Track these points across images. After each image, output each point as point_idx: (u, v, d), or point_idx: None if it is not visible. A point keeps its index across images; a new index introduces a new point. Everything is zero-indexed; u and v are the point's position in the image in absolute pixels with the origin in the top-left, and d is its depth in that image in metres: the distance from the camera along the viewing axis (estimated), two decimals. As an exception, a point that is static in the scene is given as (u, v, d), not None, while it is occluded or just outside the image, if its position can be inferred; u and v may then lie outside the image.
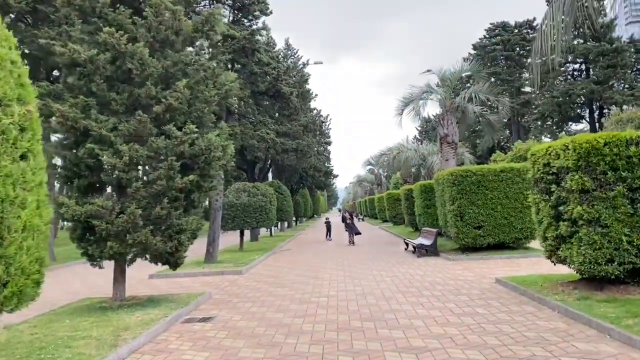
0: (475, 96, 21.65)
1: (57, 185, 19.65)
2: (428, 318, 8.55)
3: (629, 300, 8.23)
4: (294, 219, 53.65)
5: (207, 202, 19.27)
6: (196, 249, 23.12)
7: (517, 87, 43.18)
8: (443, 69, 22.40)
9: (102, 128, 9.59)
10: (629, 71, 27.49)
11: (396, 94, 64.58)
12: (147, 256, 10.42)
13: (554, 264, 10.37)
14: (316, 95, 38.17)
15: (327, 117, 50.36)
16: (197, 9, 10.61)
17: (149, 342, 7.98)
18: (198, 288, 13.72)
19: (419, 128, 78.05)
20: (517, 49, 47.61)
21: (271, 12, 19.96)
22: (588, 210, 8.65)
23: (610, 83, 28.25)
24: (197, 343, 7.78)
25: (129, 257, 10.50)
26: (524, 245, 17.47)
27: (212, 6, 11.67)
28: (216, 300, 11.57)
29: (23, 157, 6.37)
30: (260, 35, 18.38)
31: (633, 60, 27.84)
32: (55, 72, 23.49)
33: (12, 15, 22.81)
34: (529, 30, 47.44)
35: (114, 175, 9.76)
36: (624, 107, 29.53)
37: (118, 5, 10.18)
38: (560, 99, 29.11)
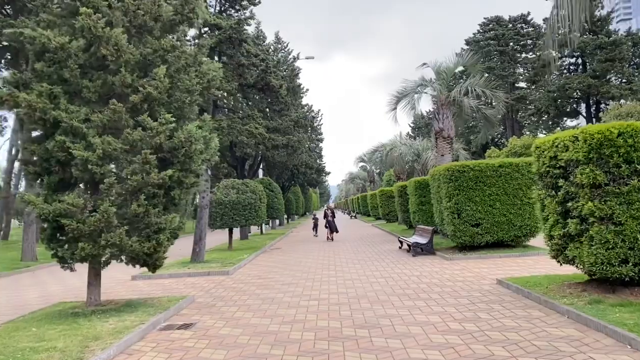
0: (471, 90, 20.98)
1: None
2: (427, 325, 7.85)
3: (645, 305, 7.57)
4: (286, 216, 52.89)
5: (197, 200, 18.53)
6: (184, 248, 22.47)
7: (512, 83, 42.52)
8: (439, 62, 21.72)
9: (73, 119, 8.79)
10: (627, 65, 26.92)
11: (389, 90, 64.01)
12: (123, 258, 9.64)
13: (560, 264, 9.71)
14: (307, 90, 37.50)
15: (318, 112, 49.54)
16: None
17: (121, 353, 7.23)
18: (182, 290, 12.97)
19: (412, 125, 77.43)
20: (511, 43, 47.01)
21: (259, 2, 19.18)
22: (600, 206, 7.97)
23: (608, 77, 27.72)
24: (174, 354, 7.03)
25: (104, 259, 9.70)
26: (523, 244, 16.84)
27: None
28: (199, 304, 10.82)
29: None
30: (248, 24, 17.58)
31: (631, 53, 27.29)
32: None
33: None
34: (523, 24, 46.83)
35: (87, 171, 8.96)
36: (621, 101, 29.01)
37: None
38: (557, 93, 28.51)
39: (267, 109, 27.38)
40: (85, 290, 11.30)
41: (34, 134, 9.81)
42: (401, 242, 20.53)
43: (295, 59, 31.85)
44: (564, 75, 31.19)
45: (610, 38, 27.20)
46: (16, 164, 34.28)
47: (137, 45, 9.32)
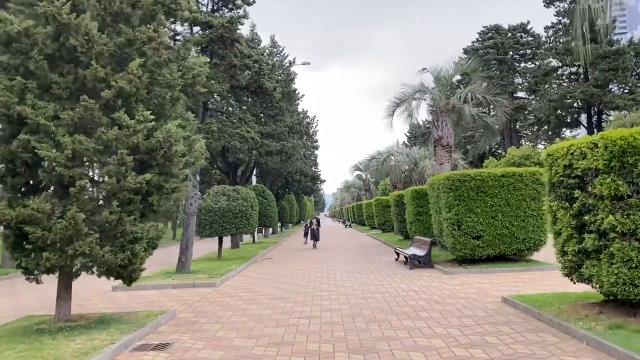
0: (472, 96, 20.24)
1: None
2: (430, 350, 7.00)
3: (674, 332, 6.76)
4: (279, 225, 51.96)
5: (189, 207, 17.64)
6: (173, 256, 21.52)
7: (511, 92, 41.86)
8: (439, 68, 21.00)
9: (40, 115, 7.94)
10: (630, 74, 26.33)
11: (385, 101, 63.49)
12: (94, 270, 8.76)
13: (574, 283, 8.90)
14: (303, 95, 36.76)
15: (314, 118, 48.68)
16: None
17: (82, 380, 6.35)
18: (163, 304, 12.07)
19: (408, 134, 76.83)
20: (511, 52, 46.46)
21: (254, 1, 18.41)
22: (622, 220, 7.16)
23: (610, 87, 27.13)
24: (141, 383, 6.16)
25: (74, 270, 8.83)
26: (527, 258, 16.04)
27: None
28: (180, 321, 9.94)
29: None
30: (241, 24, 16.80)
31: (633, 63, 26.72)
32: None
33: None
34: (522, 34, 46.34)
35: (54, 173, 8.10)
36: (623, 111, 28.39)
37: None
38: (558, 102, 27.86)
39: (262, 114, 26.58)
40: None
41: None
42: (398, 254, 19.69)
43: (291, 63, 31.08)
44: (563, 85, 30.57)
45: (613, 47, 26.65)
46: None
47: (111, 35, 8.49)
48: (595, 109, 28.73)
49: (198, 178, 17.45)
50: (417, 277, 14.57)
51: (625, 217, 7.18)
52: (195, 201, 17.53)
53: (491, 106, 22.57)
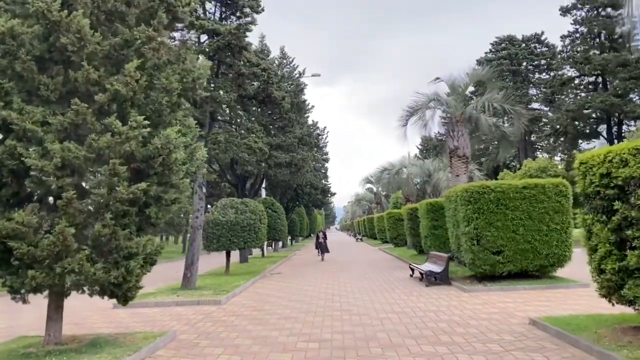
0: (488, 105, 19.46)
1: None
2: (456, 383, 6.19)
3: None
4: (289, 238, 51.19)
5: (195, 220, 16.98)
6: (181, 271, 20.80)
7: (525, 103, 40.92)
8: (453, 76, 20.28)
9: (27, 121, 7.31)
10: (653, 83, 25.46)
11: (394, 113, 62.78)
12: (85, 289, 8.06)
13: (613, 305, 8.06)
14: (313, 107, 36.12)
15: (324, 130, 47.89)
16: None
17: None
18: (165, 323, 11.35)
19: (420, 146, 75.87)
20: (525, 63, 45.60)
21: (263, 10, 17.85)
22: (672, 235, 6.34)
23: (631, 96, 26.24)
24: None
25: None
26: (550, 274, 15.12)
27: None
28: (179, 343, 9.19)
29: None
30: (249, 30, 16.23)
31: (654, 72, 25.85)
32: None
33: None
34: (536, 44, 45.54)
35: (42, 183, 7.45)
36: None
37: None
38: (576, 113, 26.98)
39: (271, 125, 25.97)
40: (66, 320, 9.75)
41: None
42: (412, 270, 18.82)
43: (301, 74, 30.56)
44: (580, 96, 29.66)
45: (634, 55, 25.83)
46: None
47: (106, 34, 7.87)
48: (615, 119, 27.79)
49: (204, 190, 16.80)
50: (434, 295, 13.72)
51: (675, 231, 6.37)
52: (202, 214, 16.85)
53: (505, 118, 21.84)
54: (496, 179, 40.17)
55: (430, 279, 15.99)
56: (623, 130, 27.80)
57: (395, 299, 13.35)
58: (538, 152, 46.54)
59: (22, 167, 7.54)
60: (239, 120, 21.42)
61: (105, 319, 12.39)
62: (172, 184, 8.48)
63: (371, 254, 34.64)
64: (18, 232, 7.24)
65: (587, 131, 28.55)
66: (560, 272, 15.30)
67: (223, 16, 17.97)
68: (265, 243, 38.09)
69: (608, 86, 27.75)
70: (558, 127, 28.40)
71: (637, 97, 26.88)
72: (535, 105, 45.72)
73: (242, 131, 19.38)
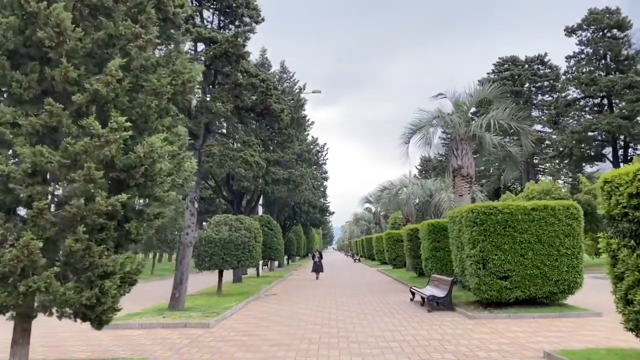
0: (494, 124, 18.81)
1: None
2: None
3: None
4: (286, 257, 50.19)
5: (185, 236, 16.16)
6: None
7: (528, 125, 40.26)
8: (457, 93, 19.67)
9: (-6, 121, 6.58)
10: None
11: (394, 133, 62.22)
12: (54, 311, 7.24)
13: (642, 340, 7.26)
14: (312, 123, 35.54)
15: (324, 146, 47.05)
16: None
17: None
18: (147, 348, 10.50)
19: (419, 167, 75.21)
20: (527, 84, 45.17)
21: (263, 20, 17.26)
22: None
23: (638, 119, 25.68)
24: None
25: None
26: (560, 302, 14.29)
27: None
28: (160, 372, 8.34)
29: None
30: (247, 38, 15.62)
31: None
32: None
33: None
34: (539, 65, 45.14)
35: (8, 191, 6.69)
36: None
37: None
38: (581, 135, 26.37)
39: (269, 140, 25.27)
40: (40, 342, 8.92)
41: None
42: (413, 294, 17.96)
43: (301, 89, 30.00)
44: (585, 118, 29.06)
45: (640, 77, 25.35)
46: None
47: (89, 31, 7.18)
48: (621, 142, 27.20)
49: (196, 205, 16.02)
50: (437, 322, 12.87)
51: None
52: (193, 230, 16.03)
53: (509, 139, 21.21)
54: (497, 201, 39.40)
55: (433, 304, 15.16)
56: (629, 154, 27.14)
57: (396, 326, 12.50)
58: (540, 175, 45.92)
59: (-12, 173, 6.79)
60: (235, 133, 20.76)
61: (83, 341, 11.52)
62: (156, 197, 7.72)
63: (369, 276, 33.70)
64: (-22, 245, 6.47)
65: (592, 154, 27.91)
66: (569, 300, 14.47)
67: (222, 25, 17.40)
68: (261, 262, 37.18)
69: (614, 108, 27.20)
70: (562, 149, 27.72)
71: (641, 120, 26.34)
72: (538, 127, 45.25)
73: (239, 145, 18.71)
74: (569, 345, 9.46)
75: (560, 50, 45.47)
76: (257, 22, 17.14)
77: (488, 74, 45.10)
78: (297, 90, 30.81)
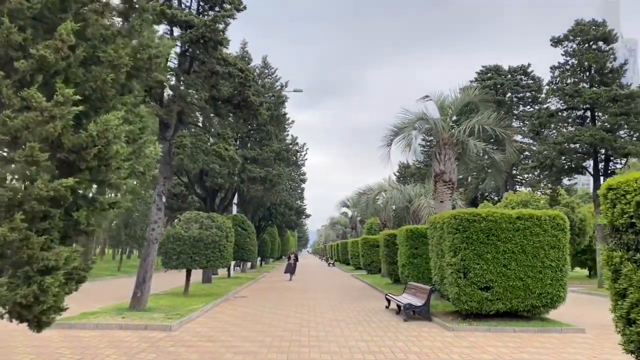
0: (479, 129, 18.26)
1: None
2: None
3: None
4: (259, 259, 49.17)
5: (151, 232, 15.16)
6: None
7: (511, 133, 40.11)
8: (443, 95, 19.10)
9: None
10: (640, 120, 24.74)
11: (375, 141, 61.72)
12: (-17, 309, 6.30)
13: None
14: (293, 122, 34.71)
15: (303, 146, 46.14)
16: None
17: None
18: (99, 352, 9.55)
19: (397, 173, 75.01)
20: (510, 94, 45.16)
21: (244, 8, 16.42)
22: None
23: (621, 132, 25.49)
24: None
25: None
26: (541, 316, 13.73)
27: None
28: (107, 382, 7.43)
29: None
30: (226, 23, 14.69)
31: (643, 109, 25.22)
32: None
33: None
34: (522, 76, 45.15)
35: None
36: (631, 159, 26.70)
37: None
38: (564, 145, 26.07)
39: (247, 138, 24.35)
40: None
41: None
42: (389, 301, 17.25)
43: (283, 87, 29.15)
44: (568, 130, 28.79)
45: (624, 90, 25.16)
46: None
47: (38, -11, 6.28)
48: (601, 155, 26.98)
49: (164, 199, 15.05)
50: (414, 333, 12.15)
51: None
52: (159, 226, 15.04)
53: (492, 147, 20.74)
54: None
55: (409, 313, 14.46)
56: (610, 167, 26.96)
57: (371, 335, 11.74)
58: (518, 186, 45.82)
59: None
60: (212, 127, 19.78)
61: (31, 341, 10.49)
62: (111, 184, 6.83)
63: (344, 281, 32.95)
64: None
65: (573, 166, 27.64)
66: (552, 314, 13.93)
67: (201, 10, 16.48)
68: (233, 263, 36.15)
69: (596, 121, 27.01)
70: (544, 160, 27.38)
71: (625, 134, 26.16)
72: (517, 138, 45.07)
73: (213, 138, 17.75)
74: (556, 364, 8.84)
75: (541, 65, 45.58)
76: (238, 10, 16.25)
77: (471, 81, 44.91)
78: (279, 87, 29.95)
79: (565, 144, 25.98)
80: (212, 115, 16.98)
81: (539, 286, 13.16)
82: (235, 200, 32.02)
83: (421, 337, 11.65)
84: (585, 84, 27.56)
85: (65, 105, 5.82)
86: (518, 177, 45.54)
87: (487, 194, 48.21)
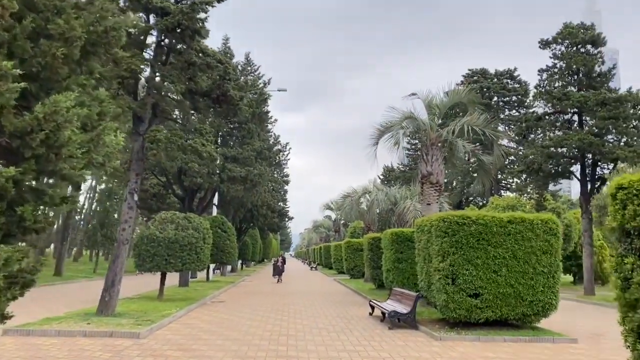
0: (468, 129, 17.68)
1: None
2: None
3: None
4: (240, 262, 48.16)
5: (121, 232, 14.26)
6: (125, 290, 17.38)
7: (499, 136, 39.81)
8: (431, 94, 18.50)
9: None
10: (632, 124, 24.40)
11: (359, 145, 61.19)
12: None
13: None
14: (276, 120, 33.89)
15: (286, 145, 45.20)
16: None
17: None
18: (56, 362, 8.66)
19: (382, 177, 74.59)
20: (496, 98, 44.94)
21: (226, -2, 15.63)
22: None
23: (609, 137, 25.14)
24: None
25: None
26: (533, 324, 13.11)
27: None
28: (58, 399, 6.58)
29: None
30: (204, 11, 13.82)
31: (631, 112, 24.91)
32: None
33: None
34: (509, 80, 44.95)
35: None
36: (620, 164, 26.38)
37: None
38: (552, 149, 25.65)
39: (228, 136, 23.49)
40: None
41: None
42: (372, 307, 16.53)
43: (266, 84, 28.33)
44: (559, 133, 28.41)
45: (613, 94, 24.83)
46: None
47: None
48: (588, 160, 26.61)
49: (136, 198, 14.16)
50: (400, 342, 11.44)
51: None
52: (130, 226, 14.14)
53: (480, 151, 20.22)
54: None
55: (394, 321, 13.75)
56: (597, 172, 26.61)
57: (354, 345, 11.00)
58: (503, 190, 45.55)
59: None
60: (190, 122, 18.91)
61: (-19, 350, 9.56)
62: (63, 175, 6.00)
63: (326, 285, 32.18)
64: None
65: (560, 170, 27.23)
66: (543, 323, 13.33)
67: (178, 0, 15.64)
68: (213, 266, 35.19)
69: (584, 125, 26.65)
70: (531, 164, 26.93)
71: (613, 138, 25.81)
72: (504, 142, 44.85)
73: (191, 135, 16.84)
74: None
75: (526, 72, 45.42)
76: (218, 1, 15.43)
77: (457, 84, 44.54)
78: (262, 85, 29.11)
79: (553, 148, 25.57)
80: (191, 111, 16.12)
81: (530, 293, 12.57)
82: (215, 202, 31.10)
83: (407, 346, 10.95)
84: (573, 87, 27.20)
85: (3, 80, 5.00)
86: (504, 181, 45.27)
87: (472, 198, 47.88)
